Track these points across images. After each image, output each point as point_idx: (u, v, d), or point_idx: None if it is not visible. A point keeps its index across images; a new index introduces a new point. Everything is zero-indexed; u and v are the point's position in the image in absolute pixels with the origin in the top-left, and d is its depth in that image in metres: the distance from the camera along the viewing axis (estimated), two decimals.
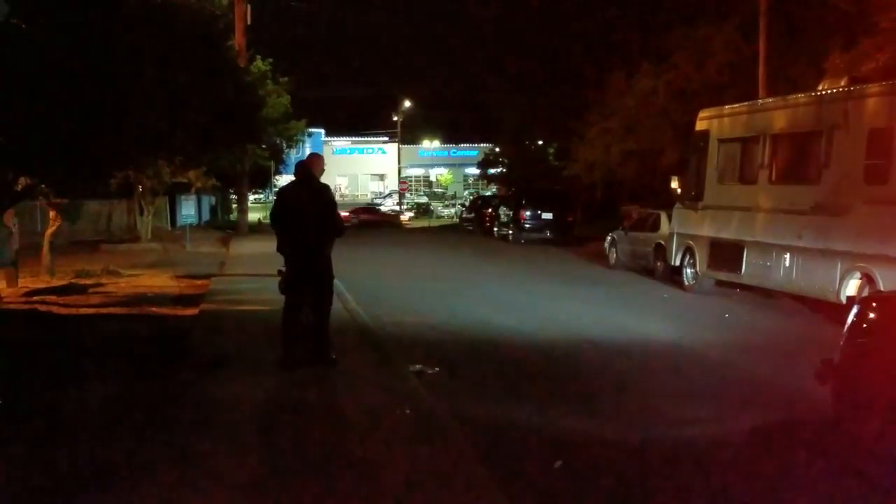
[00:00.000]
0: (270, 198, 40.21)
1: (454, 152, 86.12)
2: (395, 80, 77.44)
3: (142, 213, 28.32)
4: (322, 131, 74.17)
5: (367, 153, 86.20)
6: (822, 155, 12.87)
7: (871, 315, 6.39)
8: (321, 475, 5.52)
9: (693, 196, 16.35)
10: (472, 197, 54.49)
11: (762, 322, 13.15)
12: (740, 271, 14.68)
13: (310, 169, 8.63)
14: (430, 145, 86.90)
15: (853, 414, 6.23)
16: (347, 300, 13.24)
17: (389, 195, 72.63)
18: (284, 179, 32.60)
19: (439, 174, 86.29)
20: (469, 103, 62.81)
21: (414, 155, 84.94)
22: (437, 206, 65.91)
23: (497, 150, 54.23)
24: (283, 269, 8.68)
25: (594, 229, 29.60)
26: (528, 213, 30.25)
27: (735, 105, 16.42)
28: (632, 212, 25.15)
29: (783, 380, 8.82)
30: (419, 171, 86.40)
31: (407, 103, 75.11)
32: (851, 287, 11.85)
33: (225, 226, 39.52)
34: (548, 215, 30.18)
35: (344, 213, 51.13)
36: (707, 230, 15.78)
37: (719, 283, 15.79)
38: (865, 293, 10.85)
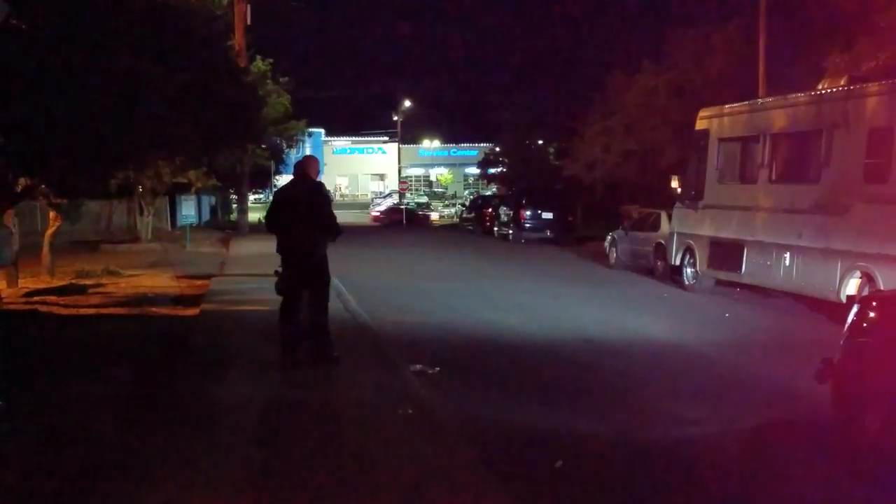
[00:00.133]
0: (270, 198, 40.13)
1: (454, 152, 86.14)
2: (394, 81, 77.58)
3: (142, 214, 28.31)
4: (322, 131, 74.21)
5: (367, 153, 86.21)
6: (822, 154, 12.87)
7: (872, 314, 6.37)
8: (321, 475, 5.53)
9: (693, 195, 16.36)
10: (472, 197, 54.42)
11: (762, 321, 13.16)
12: (740, 271, 14.68)
13: (305, 169, 8.69)
14: (430, 145, 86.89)
15: (853, 413, 6.22)
16: (348, 300, 13.23)
17: (389, 195, 72.52)
18: (284, 179, 32.47)
19: (439, 174, 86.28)
20: (469, 103, 62.82)
21: (414, 155, 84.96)
22: (437, 206, 65.79)
23: (497, 149, 54.23)
24: (280, 269, 8.71)
25: (594, 229, 29.60)
26: (528, 212, 30.24)
27: (735, 104, 16.38)
28: (632, 211, 25.16)
29: (783, 379, 8.81)
30: (419, 171, 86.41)
31: (407, 103, 75.15)
32: (851, 286, 11.86)
33: (225, 226, 39.45)
34: (548, 215, 30.17)
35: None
36: (707, 229, 15.78)
37: (719, 282, 15.80)
38: (866, 292, 10.84)
